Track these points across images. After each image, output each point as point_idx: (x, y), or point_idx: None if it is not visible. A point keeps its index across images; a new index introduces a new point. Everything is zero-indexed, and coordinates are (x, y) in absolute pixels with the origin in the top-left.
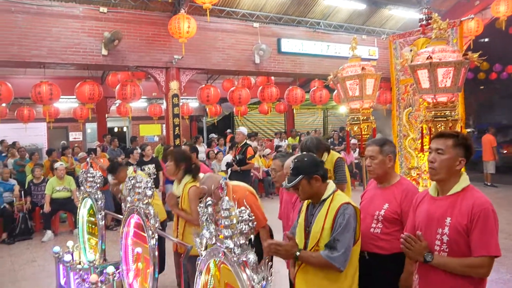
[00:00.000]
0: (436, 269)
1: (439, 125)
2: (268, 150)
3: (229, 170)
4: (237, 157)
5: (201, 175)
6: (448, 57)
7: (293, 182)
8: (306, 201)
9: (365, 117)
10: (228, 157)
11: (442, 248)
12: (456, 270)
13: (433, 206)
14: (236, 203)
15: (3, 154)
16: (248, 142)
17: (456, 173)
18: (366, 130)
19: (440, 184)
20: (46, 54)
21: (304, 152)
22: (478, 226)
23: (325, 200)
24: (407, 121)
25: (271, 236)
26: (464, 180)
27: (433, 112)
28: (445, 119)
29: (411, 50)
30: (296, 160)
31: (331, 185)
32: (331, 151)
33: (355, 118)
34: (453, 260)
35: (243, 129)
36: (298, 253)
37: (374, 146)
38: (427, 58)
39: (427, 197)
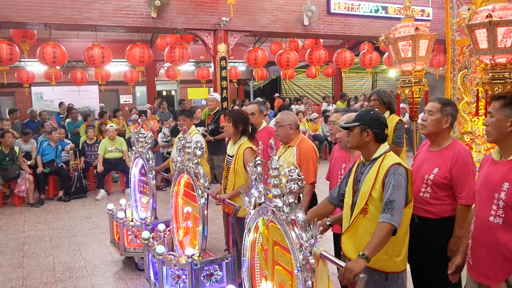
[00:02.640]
0: (493, 237)
1: (497, 87)
2: (315, 114)
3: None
4: (209, 127)
5: None
6: (510, 15)
7: (348, 124)
8: (357, 161)
9: (417, 80)
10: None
11: (497, 214)
12: None
13: (492, 170)
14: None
15: (61, 116)
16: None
17: None
18: (418, 93)
19: (501, 148)
20: (97, 17)
21: (374, 97)
22: None
23: (376, 159)
24: (462, 84)
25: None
26: None
27: (490, 74)
28: (503, 81)
29: (469, 9)
30: (363, 110)
31: (383, 145)
32: (393, 114)
33: (407, 81)
34: None
35: (216, 95)
36: (365, 255)
37: (436, 103)
38: (487, 16)
39: (489, 161)
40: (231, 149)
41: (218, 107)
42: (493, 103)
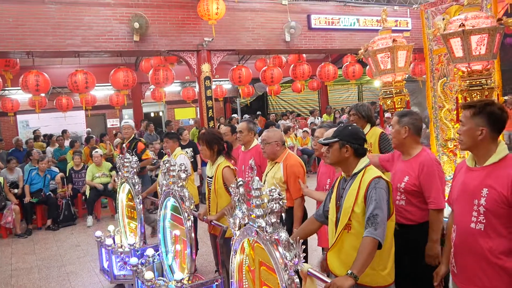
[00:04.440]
0: (475, 244)
1: (475, 94)
2: (300, 131)
3: None
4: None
5: None
6: (482, 24)
7: (327, 140)
8: (339, 177)
9: (398, 90)
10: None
11: (478, 220)
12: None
13: (469, 177)
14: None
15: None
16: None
17: (485, 143)
18: (399, 103)
19: (475, 155)
20: (80, 43)
21: (352, 113)
22: None
23: (356, 174)
24: (442, 92)
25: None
26: (503, 150)
27: (467, 81)
28: (481, 87)
29: (443, 19)
30: (342, 125)
31: (363, 160)
32: (374, 126)
33: (388, 92)
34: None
35: (130, 122)
36: (354, 274)
37: (395, 116)
38: (460, 25)
39: (464, 168)
40: (209, 170)
41: (133, 135)
42: (464, 112)
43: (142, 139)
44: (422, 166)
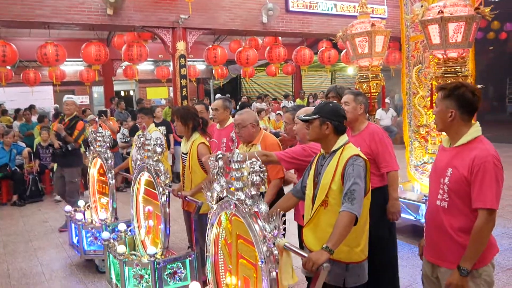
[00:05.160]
0: (440, 220)
1: (449, 81)
2: (273, 114)
3: None
4: (62, 135)
5: None
6: (460, 12)
7: (307, 117)
8: (318, 154)
9: (374, 75)
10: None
11: (443, 198)
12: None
13: (440, 157)
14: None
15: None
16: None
17: (455, 125)
18: (375, 88)
19: (449, 135)
20: (50, 14)
21: (332, 95)
22: (478, 178)
23: (335, 151)
24: (417, 79)
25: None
26: (474, 132)
27: (443, 68)
28: (455, 75)
29: (422, 5)
30: (322, 102)
31: (343, 137)
32: None
33: (364, 76)
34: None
35: (75, 98)
36: (329, 248)
37: (349, 95)
38: (438, 12)
39: (440, 148)
40: (184, 146)
41: (75, 113)
42: (438, 94)
43: (84, 119)
44: (372, 134)
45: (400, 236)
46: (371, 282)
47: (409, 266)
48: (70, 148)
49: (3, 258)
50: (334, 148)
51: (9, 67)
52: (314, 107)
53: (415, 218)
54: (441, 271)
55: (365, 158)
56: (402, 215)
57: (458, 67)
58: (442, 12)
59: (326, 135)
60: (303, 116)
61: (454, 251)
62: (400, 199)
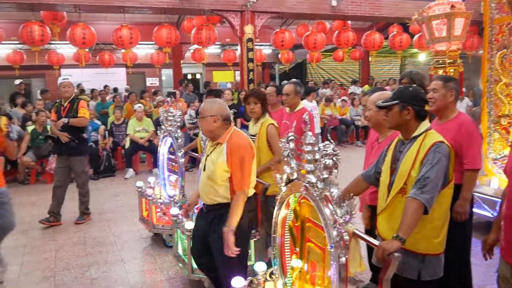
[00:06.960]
0: None
1: None
2: (339, 100)
3: None
4: (66, 120)
5: None
6: None
7: (387, 103)
8: (396, 139)
9: (452, 60)
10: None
11: None
12: None
13: None
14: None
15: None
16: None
17: None
18: (452, 74)
19: None
20: None
21: (405, 81)
22: None
23: (416, 137)
24: (500, 65)
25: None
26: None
27: None
28: None
29: None
30: (401, 87)
31: (424, 123)
32: None
33: (441, 62)
34: None
35: (71, 79)
36: (399, 237)
37: (438, 81)
38: None
39: None
40: (252, 128)
41: (74, 95)
42: None
43: (84, 96)
44: (461, 126)
45: (475, 233)
46: (440, 279)
47: (484, 265)
48: (85, 136)
49: (80, 227)
50: (415, 134)
51: (87, 49)
52: (389, 92)
53: (491, 214)
54: None
55: (449, 145)
56: (478, 210)
57: None
58: None
59: (407, 121)
60: (382, 103)
61: None
62: (476, 193)
